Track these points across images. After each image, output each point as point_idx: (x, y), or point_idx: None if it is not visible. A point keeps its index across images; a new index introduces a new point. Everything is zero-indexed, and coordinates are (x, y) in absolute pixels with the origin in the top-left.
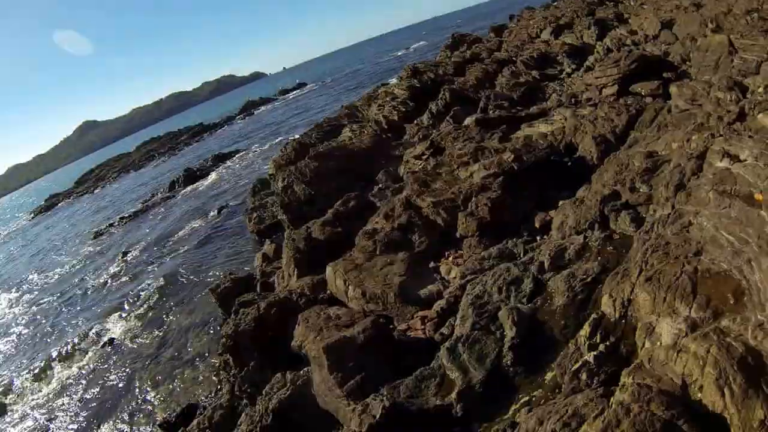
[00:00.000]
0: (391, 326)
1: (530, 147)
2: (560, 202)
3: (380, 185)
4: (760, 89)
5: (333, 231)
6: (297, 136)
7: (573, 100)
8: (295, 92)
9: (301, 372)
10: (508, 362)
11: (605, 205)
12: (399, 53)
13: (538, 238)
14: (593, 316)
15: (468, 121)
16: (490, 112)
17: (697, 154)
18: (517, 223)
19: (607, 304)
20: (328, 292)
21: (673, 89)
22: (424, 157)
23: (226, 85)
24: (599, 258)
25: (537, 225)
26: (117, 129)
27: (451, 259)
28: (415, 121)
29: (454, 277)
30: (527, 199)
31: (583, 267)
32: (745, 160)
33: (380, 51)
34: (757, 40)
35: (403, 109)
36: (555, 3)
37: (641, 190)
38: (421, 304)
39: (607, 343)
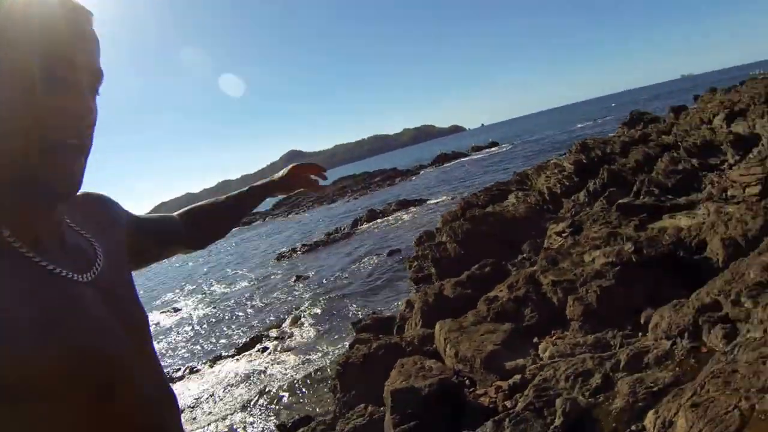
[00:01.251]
0: (473, 389)
1: (654, 240)
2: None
3: (524, 255)
4: None
5: (462, 292)
6: (445, 199)
7: (724, 194)
8: (486, 150)
9: (381, 408)
10: None
11: (702, 314)
12: (585, 124)
13: (640, 334)
14: (633, 428)
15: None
16: (641, 197)
17: None
18: (624, 316)
19: (650, 420)
20: (434, 345)
21: None
22: (564, 234)
23: (424, 134)
24: (677, 369)
25: (642, 321)
26: (320, 161)
27: (554, 338)
28: (573, 197)
29: (546, 356)
30: (641, 294)
31: (655, 375)
32: None
33: (571, 119)
34: None
35: (567, 183)
36: (743, 84)
37: (745, 305)
38: (504, 375)
39: None
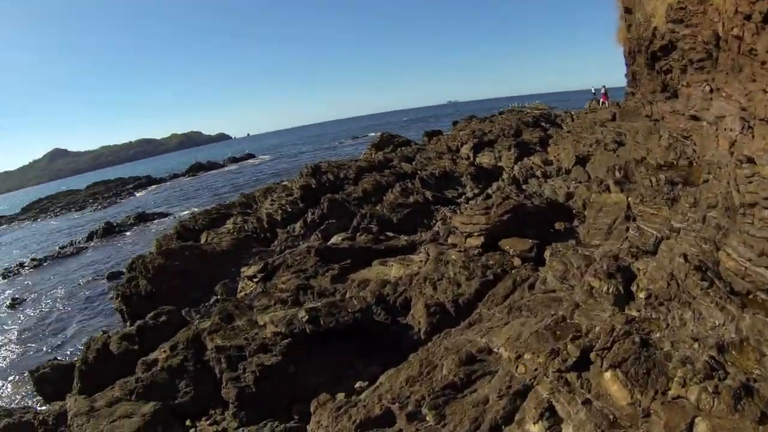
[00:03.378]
0: None
1: (337, 306)
2: (339, 395)
3: (217, 297)
4: (642, 294)
5: (129, 347)
6: (187, 215)
7: (449, 234)
8: (241, 162)
9: None
10: None
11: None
12: (347, 141)
13: (308, 427)
14: None
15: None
16: (358, 235)
17: (519, 389)
18: (291, 402)
19: None
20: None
21: (547, 255)
22: (255, 279)
23: (192, 140)
24: None
25: (312, 409)
26: (86, 162)
27: (209, 422)
28: (288, 228)
29: None
30: (319, 373)
31: None
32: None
33: (336, 135)
34: (659, 210)
35: (290, 209)
36: (501, 113)
37: (427, 418)
38: None
39: None
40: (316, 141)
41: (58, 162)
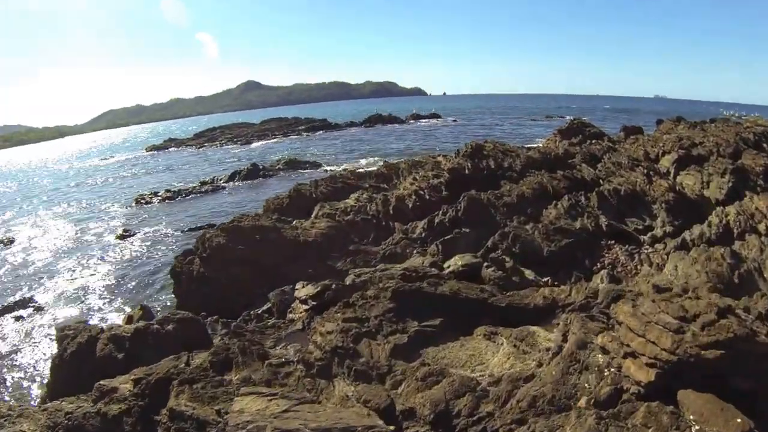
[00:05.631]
0: None
1: None
2: None
3: (270, 305)
4: None
5: (113, 353)
6: (308, 181)
7: (613, 301)
8: (423, 121)
9: None
10: None
11: None
12: (539, 119)
13: None
14: None
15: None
16: (485, 266)
17: None
18: None
19: None
20: None
21: None
22: (306, 307)
23: (386, 90)
24: None
25: None
26: (277, 96)
27: None
28: (409, 225)
29: None
30: None
31: None
32: None
33: (530, 111)
34: None
35: (428, 196)
36: (713, 122)
37: None
38: None
39: None
40: (508, 112)
41: (250, 93)
